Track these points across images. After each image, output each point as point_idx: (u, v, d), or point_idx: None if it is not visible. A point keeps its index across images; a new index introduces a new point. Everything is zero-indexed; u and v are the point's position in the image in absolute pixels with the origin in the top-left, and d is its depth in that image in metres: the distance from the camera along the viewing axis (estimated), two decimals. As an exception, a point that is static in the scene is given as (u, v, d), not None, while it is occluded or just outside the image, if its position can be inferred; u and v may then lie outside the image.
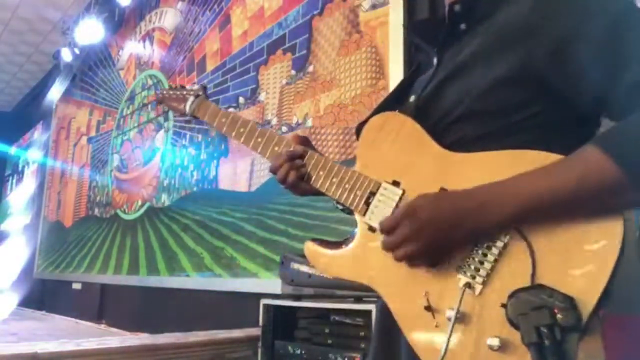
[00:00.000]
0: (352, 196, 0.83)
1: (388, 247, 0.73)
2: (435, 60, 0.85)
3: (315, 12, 2.82)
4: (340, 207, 0.96)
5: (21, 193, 7.73)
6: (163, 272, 3.72)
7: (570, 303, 0.59)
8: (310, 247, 0.87)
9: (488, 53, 0.75)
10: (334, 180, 0.86)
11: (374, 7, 2.47)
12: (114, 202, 4.88)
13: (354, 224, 0.85)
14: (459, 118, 0.76)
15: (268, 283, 2.62)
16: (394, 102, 0.90)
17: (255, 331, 2.15)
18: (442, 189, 0.74)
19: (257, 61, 3.20)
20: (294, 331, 2.09)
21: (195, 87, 1.17)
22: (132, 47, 5.05)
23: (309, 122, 2.71)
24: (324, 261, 0.86)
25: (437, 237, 0.69)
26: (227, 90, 3.45)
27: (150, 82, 4.60)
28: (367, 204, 0.81)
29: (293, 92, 2.87)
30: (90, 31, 4.92)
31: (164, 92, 1.21)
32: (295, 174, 0.90)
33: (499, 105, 0.73)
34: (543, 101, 0.71)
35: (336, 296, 1.93)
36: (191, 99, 1.14)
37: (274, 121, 2.97)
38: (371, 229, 0.80)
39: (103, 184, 5.20)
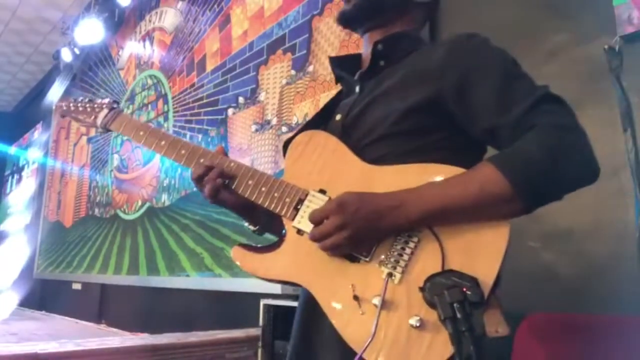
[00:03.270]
0: (281, 203, 0.91)
1: (316, 237, 0.82)
2: (357, 88, 1.01)
3: (315, 12, 2.82)
4: (252, 227, 1.06)
5: (21, 193, 7.73)
6: (163, 272, 3.72)
7: (475, 282, 0.71)
8: (237, 251, 0.95)
9: (406, 86, 0.90)
10: (263, 189, 0.94)
11: (374, 7, 2.47)
12: (114, 202, 4.89)
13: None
14: (379, 137, 0.89)
15: (268, 283, 2.61)
16: (320, 121, 1.02)
17: (255, 331, 2.15)
18: None
19: (257, 61, 3.20)
20: (294, 331, 2.09)
21: (107, 100, 1.17)
22: (132, 47, 5.05)
23: (309, 122, 2.71)
24: (253, 264, 0.93)
25: (361, 227, 0.80)
26: (227, 90, 3.45)
27: (150, 82, 4.60)
28: (296, 209, 0.90)
29: (293, 92, 2.87)
30: (90, 31, 4.92)
31: (69, 104, 1.21)
32: (221, 181, 0.97)
33: (412, 128, 0.88)
34: (448, 128, 0.88)
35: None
36: (104, 111, 1.15)
37: (274, 121, 2.98)
38: (299, 232, 0.89)
39: (103, 184, 5.20)
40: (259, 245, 0.95)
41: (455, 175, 0.81)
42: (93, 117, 1.16)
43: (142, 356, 1.83)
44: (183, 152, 1.04)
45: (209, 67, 3.70)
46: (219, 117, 3.48)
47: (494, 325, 0.71)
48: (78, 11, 5.54)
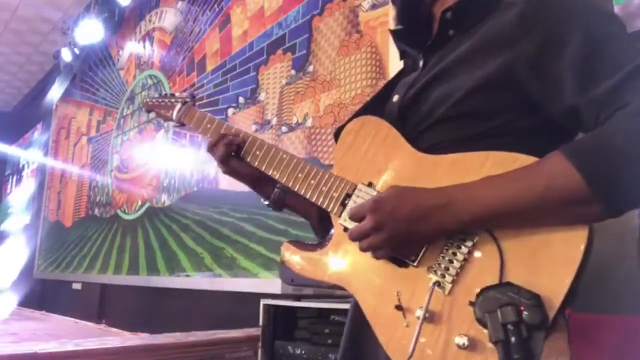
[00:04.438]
0: (328, 199, 0.85)
1: (353, 237, 0.75)
2: (421, 64, 0.88)
3: (315, 12, 2.82)
4: (267, 203, 1.03)
5: (21, 193, 7.73)
6: (163, 272, 3.72)
7: (536, 301, 0.59)
8: (287, 249, 0.90)
9: (472, 58, 0.77)
10: (312, 182, 0.89)
11: (374, 7, 2.47)
12: (114, 202, 4.88)
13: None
14: (437, 122, 0.78)
15: (268, 283, 2.62)
16: (377, 103, 0.92)
17: (255, 331, 2.15)
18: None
19: (257, 61, 3.20)
20: (294, 331, 2.10)
21: (184, 94, 1.18)
22: (132, 47, 5.05)
23: (309, 122, 2.71)
24: (300, 262, 0.88)
25: (400, 229, 0.70)
26: (227, 90, 3.45)
27: (150, 82, 4.60)
28: (343, 205, 0.83)
29: (293, 92, 2.87)
30: (90, 31, 4.92)
31: (153, 100, 1.23)
32: (235, 147, 0.98)
33: (479, 109, 0.75)
34: (518, 108, 0.73)
35: (336, 296, 1.93)
36: (178, 106, 1.16)
37: (274, 121, 2.97)
38: (346, 230, 0.81)
39: (103, 184, 5.20)
40: (309, 243, 0.90)
41: (518, 168, 0.67)
42: (170, 111, 1.17)
43: (142, 356, 1.83)
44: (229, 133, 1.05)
45: (209, 67, 3.70)
46: (219, 117, 3.46)
47: (554, 355, 0.59)
48: (78, 11, 5.54)
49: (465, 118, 0.76)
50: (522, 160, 0.67)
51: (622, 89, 0.63)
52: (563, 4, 0.71)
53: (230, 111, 3.38)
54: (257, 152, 0.98)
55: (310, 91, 2.75)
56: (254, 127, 3.12)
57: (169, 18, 4.42)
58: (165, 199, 3.96)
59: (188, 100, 1.16)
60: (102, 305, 4.60)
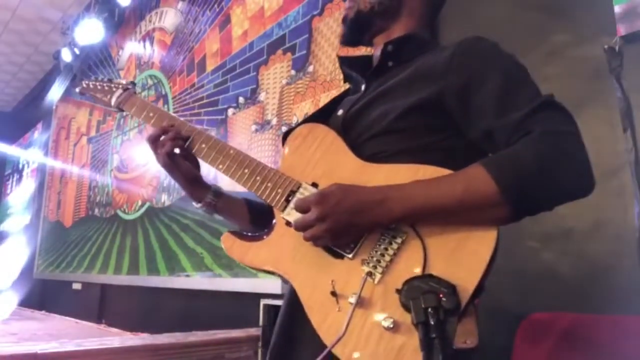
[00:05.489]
0: (273, 193, 0.93)
1: (299, 227, 0.83)
2: (363, 87, 1.01)
3: (315, 13, 2.82)
4: (199, 206, 1.07)
5: (21, 193, 7.73)
6: (163, 272, 3.72)
7: (452, 290, 0.70)
8: (227, 237, 0.96)
9: (408, 84, 0.90)
10: (257, 178, 0.95)
11: (374, 7, 2.47)
12: (114, 202, 4.89)
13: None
14: (377, 134, 0.89)
15: (268, 283, 2.62)
16: (322, 115, 1.02)
17: (255, 331, 2.15)
18: None
19: (257, 61, 3.20)
20: (294, 331, 2.09)
21: (124, 81, 1.19)
22: (132, 47, 5.05)
23: (309, 122, 2.71)
24: (240, 250, 0.94)
25: (341, 220, 0.79)
26: (227, 91, 3.45)
27: (150, 82, 4.60)
28: (287, 201, 0.91)
29: (293, 92, 2.87)
30: (90, 31, 4.92)
31: (90, 82, 1.24)
32: (181, 142, 1.02)
33: (411, 127, 0.87)
34: (447, 129, 0.87)
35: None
36: (119, 92, 1.17)
37: (274, 121, 2.98)
38: (288, 223, 0.89)
39: (103, 184, 5.20)
40: (249, 234, 0.96)
41: (444, 175, 0.79)
42: (109, 96, 1.17)
43: (142, 356, 1.83)
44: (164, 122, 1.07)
45: (209, 67, 3.70)
46: (219, 117, 3.48)
47: (464, 335, 0.69)
48: (78, 11, 5.54)
49: (400, 133, 0.88)
50: (447, 173, 0.80)
51: (528, 120, 0.78)
52: (486, 52, 0.87)
53: (230, 111, 3.38)
54: (203, 146, 1.02)
55: (310, 91, 2.75)
56: (254, 127, 3.12)
57: (169, 18, 4.42)
58: (165, 199, 3.96)
59: (129, 87, 1.17)
60: (102, 305, 4.60)
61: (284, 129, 2.87)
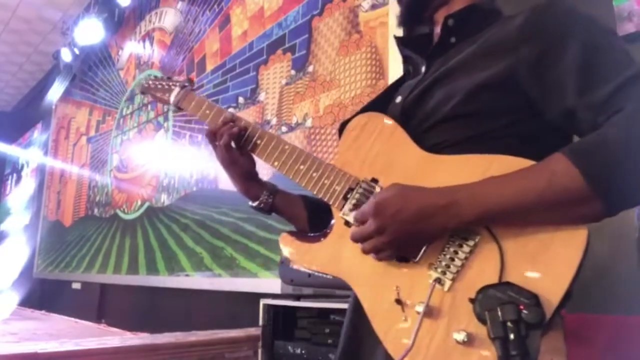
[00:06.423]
0: (330, 191, 0.85)
1: (355, 239, 0.76)
2: (423, 69, 0.89)
3: (315, 13, 2.82)
4: (255, 205, 1.01)
5: (21, 193, 7.73)
6: (163, 272, 3.72)
7: (535, 300, 0.61)
8: (285, 239, 0.90)
9: (473, 62, 0.79)
10: (314, 175, 0.88)
11: (373, 7, 2.47)
12: (113, 202, 4.88)
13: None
14: (441, 120, 0.79)
15: (268, 283, 2.62)
16: (380, 103, 0.92)
17: (255, 331, 2.15)
18: None
19: (257, 61, 3.20)
20: (294, 331, 2.10)
21: (182, 78, 1.16)
22: (132, 47, 5.05)
23: (309, 122, 2.71)
24: (298, 253, 0.88)
25: (403, 230, 0.71)
26: (227, 90, 3.45)
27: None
28: (345, 199, 0.83)
29: (293, 92, 2.87)
30: (90, 31, 4.92)
31: (150, 82, 1.21)
32: (237, 130, 0.96)
33: (480, 110, 0.76)
34: (520, 111, 0.75)
35: (336, 296, 1.93)
36: (177, 89, 1.13)
37: (274, 121, 2.98)
38: (347, 223, 0.82)
39: (102, 183, 5.20)
40: (308, 234, 0.91)
41: (520, 169, 0.68)
42: (167, 95, 1.14)
43: (142, 356, 1.83)
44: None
45: (209, 67, 3.70)
46: (219, 117, 3.47)
47: (550, 353, 0.61)
48: (78, 11, 5.54)
49: (467, 118, 0.77)
50: (526, 164, 0.69)
51: (617, 95, 0.66)
52: (563, 16, 0.75)
53: (230, 111, 3.37)
54: (259, 142, 0.96)
55: (310, 91, 2.75)
56: (253, 127, 3.12)
57: (169, 18, 4.42)
58: (164, 199, 3.96)
59: (187, 84, 1.14)
60: (101, 305, 4.60)
61: (284, 129, 2.87)
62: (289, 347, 2.02)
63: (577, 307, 1.46)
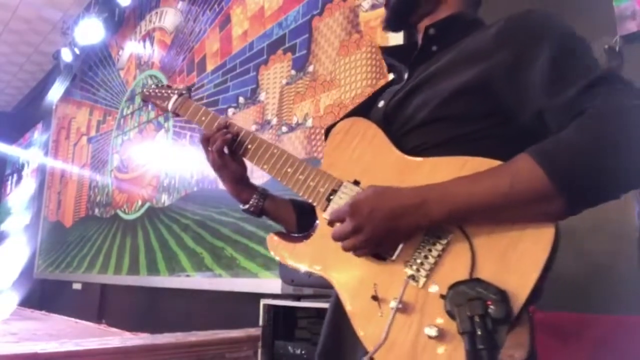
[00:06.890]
0: (315, 193, 0.90)
1: (335, 238, 0.79)
2: (406, 76, 0.94)
3: (315, 12, 2.82)
4: (246, 207, 1.08)
5: (21, 193, 7.73)
6: (163, 272, 3.72)
7: (502, 296, 0.63)
8: (271, 239, 0.96)
9: (451, 68, 0.82)
10: (300, 177, 0.93)
11: (374, 7, 2.47)
12: (114, 202, 4.89)
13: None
14: (419, 124, 0.83)
15: (268, 283, 2.62)
16: (365, 108, 0.97)
17: (255, 331, 2.15)
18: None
19: (257, 61, 3.20)
20: (294, 331, 2.10)
21: (180, 86, 1.22)
22: (132, 47, 5.05)
23: (309, 122, 2.71)
24: (284, 252, 0.94)
25: (378, 229, 0.74)
26: (227, 90, 3.45)
27: (150, 82, 4.60)
28: (329, 200, 0.88)
29: (293, 92, 2.87)
30: (90, 31, 4.92)
31: (150, 90, 1.27)
32: (230, 136, 1.02)
33: (457, 113, 0.80)
34: (495, 114, 0.78)
35: (336, 296, 1.92)
36: (174, 97, 1.20)
37: (274, 121, 2.98)
38: (330, 223, 0.85)
39: (103, 184, 5.20)
40: (294, 234, 0.96)
41: (488, 169, 0.71)
42: (166, 102, 1.21)
43: (142, 356, 1.83)
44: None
45: (209, 67, 3.70)
46: (219, 117, 3.48)
47: (513, 348, 0.63)
48: (78, 11, 5.54)
49: (444, 122, 0.80)
50: (497, 165, 0.71)
51: (582, 97, 0.68)
52: (536, 23, 0.78)
53: (230, 111, 3.38)
54: (249, 146, 1.03)
55: (310, 91, 2.75)
56: (254, 127, 3.12)
57: (169, 18, 4.42)
58: (165, 199, 3.96)
59: (184, 92, 1.20)
60: (102, 305, 4.60)
61: (284, 129, 2.87)
62: (289, 347, 2.02)
63: (577, 307, 1.46)
